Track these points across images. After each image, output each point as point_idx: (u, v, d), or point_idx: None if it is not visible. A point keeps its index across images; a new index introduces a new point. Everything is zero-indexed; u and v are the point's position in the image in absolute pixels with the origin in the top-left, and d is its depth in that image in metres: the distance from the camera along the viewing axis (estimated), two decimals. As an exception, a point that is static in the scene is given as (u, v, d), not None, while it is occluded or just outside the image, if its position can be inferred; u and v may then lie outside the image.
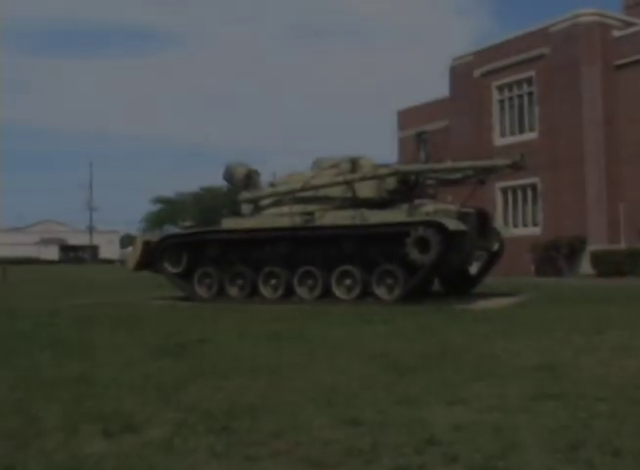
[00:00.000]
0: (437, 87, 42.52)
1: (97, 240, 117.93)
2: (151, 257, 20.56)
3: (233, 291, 19.31)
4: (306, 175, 19.73)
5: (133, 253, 21.62)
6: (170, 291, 21.36)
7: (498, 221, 28.67)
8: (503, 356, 8.43)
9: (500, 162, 18.69)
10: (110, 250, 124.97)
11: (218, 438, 5.11)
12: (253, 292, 18.95)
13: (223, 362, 8.35)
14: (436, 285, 20.62)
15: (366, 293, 17.49)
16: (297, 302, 17.84)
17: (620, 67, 35.48)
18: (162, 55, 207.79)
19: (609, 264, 32.04)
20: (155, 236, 23.00)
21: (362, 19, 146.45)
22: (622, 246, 33.50)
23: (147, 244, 20.94)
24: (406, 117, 48.34)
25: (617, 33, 35.94)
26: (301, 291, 18.28)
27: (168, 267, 20.26)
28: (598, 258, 32.92)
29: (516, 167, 18.12)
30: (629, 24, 36.66)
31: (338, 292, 17.78)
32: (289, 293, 18.44)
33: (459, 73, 42.14)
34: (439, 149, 42.38)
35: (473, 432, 5.13)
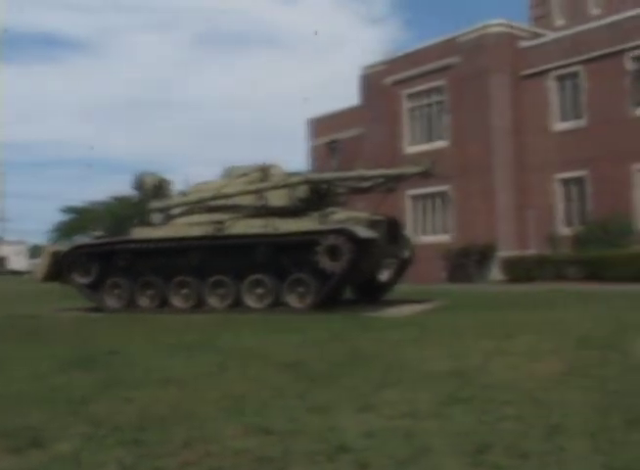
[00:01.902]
0: (351, 95, 43.12)
1: (4, 251, 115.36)
2: (60, 267, 20.24)
3: (143, 301, 19.11)
4: (217, 184, 19.66)
5: (42, 263, 21.27)
6: (80, 302, 21.03)
7: (409, 229, 28.95)
8: (413, 363, 8.49)
9: (410, 169, 18.90)
10: (18, 261, 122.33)
11: (128, 450, 5.04)
12: (164, 302, 18.79)
13: (133, 374, 8.25)
14: (348, 293, 20.69)
15: (278, 301, 17.48)
16: (208, 311, 17.74)
17: (528, 76, 36.26)
18: (72, 61, 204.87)
19: (518, 270, 32.63)
20: (63, 246, 22.68)
21: (275, 27, 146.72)
22: (531, 252, 34.13)
23: (56, 254, 20.63)
24: (318, 126, 48.61)
25: (524, 44, 36.70)
26: (213, 300, 18.18)
27: (77, 278, 19.96)
28: (508, 265, 33.51)
29: (425, 175, 18.34)
30: (536, 35, 37.53)
31: (249, 301, 17.73)
32: (200, 302, 18.33)
33: (370, 82, 42.50)
34: (352, 157, 42.61)
35: (384, 438, 5.17)
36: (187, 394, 6.99)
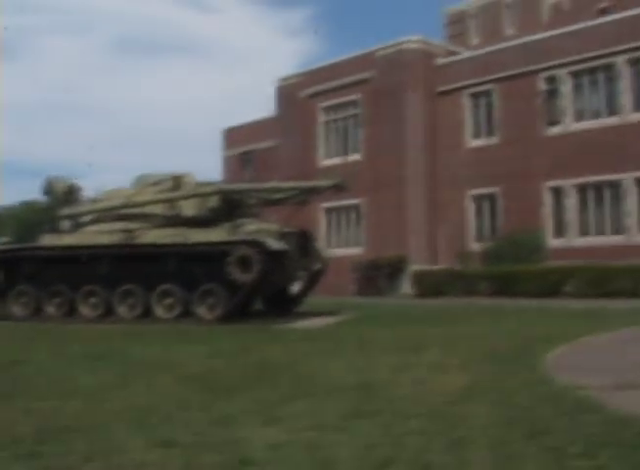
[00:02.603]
0: (268, 106, 42.99)
1: None
2: (-36, 274, 19.78)
3: (51, 310, 18.79)
4: (129, 192, 19.46)
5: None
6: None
7: (322, 241, 29.02)
8: (321, 376, 8.49)
9: (322, 183, 19.00)
10: None
11: (27, 463, 4.92)
12: (72, 311, 18.51)
13: (37, 384, 8.10)
14: (259, 304, 20.65)
15: (187, 312, 17.37)
16: (116, 321, 17.52)
17: (443, 93, 36.72)
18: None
19: (428, 285, 32.83)
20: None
21: (193, 36, 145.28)
22: (441, 267, 34.45)
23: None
24: (232, 136, 48.43)
25: (439, 61, 37.15)
26: (122, 310, 17.98)
27: (-19, 285, 19.54)
28: (418, 279, 33.71)
29: (337, 189, 18.47)
30: (452, 53, 38.04)
31: (158, 311, 17.58)
32: (109, 312, 18.10)
33: (285, 94, 42.49)
34: (266, 169, 42.57)
35: (288, 451, 5.14)
36: (90, 405, 6.87)
